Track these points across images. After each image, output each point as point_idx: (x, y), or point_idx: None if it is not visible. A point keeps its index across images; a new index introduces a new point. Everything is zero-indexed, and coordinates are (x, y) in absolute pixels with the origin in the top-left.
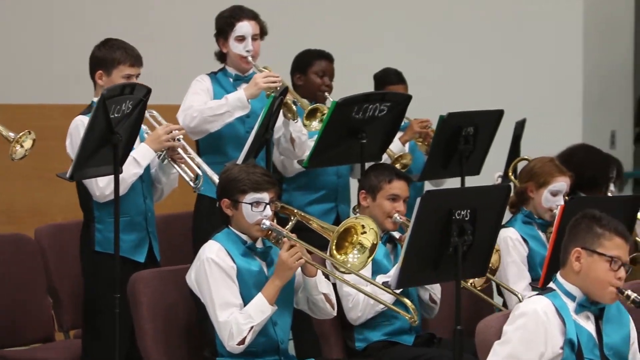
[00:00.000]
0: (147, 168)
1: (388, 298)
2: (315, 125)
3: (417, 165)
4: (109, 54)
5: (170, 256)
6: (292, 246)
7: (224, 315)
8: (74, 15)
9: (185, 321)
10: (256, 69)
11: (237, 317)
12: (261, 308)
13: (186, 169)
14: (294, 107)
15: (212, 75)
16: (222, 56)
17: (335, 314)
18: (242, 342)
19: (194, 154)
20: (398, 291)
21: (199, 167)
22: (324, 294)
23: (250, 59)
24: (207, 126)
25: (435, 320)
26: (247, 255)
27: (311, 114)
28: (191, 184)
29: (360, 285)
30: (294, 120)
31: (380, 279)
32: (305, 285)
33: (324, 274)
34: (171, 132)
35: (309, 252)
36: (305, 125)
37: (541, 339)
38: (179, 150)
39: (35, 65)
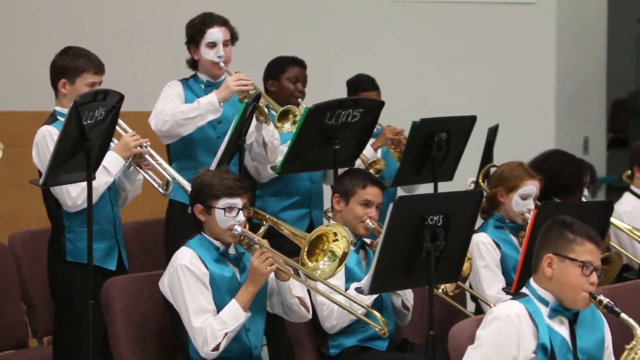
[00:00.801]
0: None
1: (359, 308)
2: (288, 127)
3: (390, 171)
4: (72, 63)
5: (142, 263)
6: (263, 253)
7: (199, 322)
8: (45, 23)
9: (158, 327)
10: (228, 74)
11: (211, 323)
12: (235, 314)
13: (154, 175)
14: (266, 110)
15: (184, 81)
16: (193, 64)
17: (310, 316)
18: (216, 348)
19: (161, 160)
20: (370, 300)
21: (167, 173)
22: (298, 298)
23: (222, 64)
24: (179, 130)
25: (409, 325)
26: (219, 261)
27: (283, 116)
28: (160, 190)
29: (332, 295)
30: (266, 123)
31: (354, 286)
32: (279, 289)
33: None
34: (138, 139)
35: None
36: (277, 127)
37: (514, 343)
38: (147, 156)
39: (7, 72)
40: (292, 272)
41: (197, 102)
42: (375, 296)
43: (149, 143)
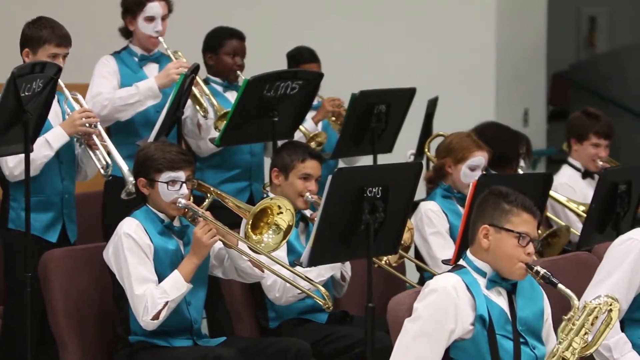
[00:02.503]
0: (71, 149)
1: (305, 283)
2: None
3: (330, 143)
4: (36, 33)
5: (81, 235)
6: (206, 224)
7: (141, 289)
8: None
9: (98, 300)
10: (167, 52)
11: (152, 292)
12: (177, 284)
13: (99, 155)
14: (205, 104)
15: (117, 55)
16: (127, 33)
17: (264, 275)
18: (156, 316)
19: (108, 142)
20: (323, 279)
21: (109, 155)
22: (250, 260)
23: (160, 39)
24: (117, 115)
25: (348, 297)
26: (164, 234)
27: (223, 117)
28: (102, 171)
29: (274, 267)
30: (205, 118)
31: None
32: (230, 255)
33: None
34: (88, 117)
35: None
36: (215, 127)
37: (451, 316)
38: (94, 136)
39: None
40: (235, 243)
41: (136, 87)
42: (325, 277)
43: (98, 123)
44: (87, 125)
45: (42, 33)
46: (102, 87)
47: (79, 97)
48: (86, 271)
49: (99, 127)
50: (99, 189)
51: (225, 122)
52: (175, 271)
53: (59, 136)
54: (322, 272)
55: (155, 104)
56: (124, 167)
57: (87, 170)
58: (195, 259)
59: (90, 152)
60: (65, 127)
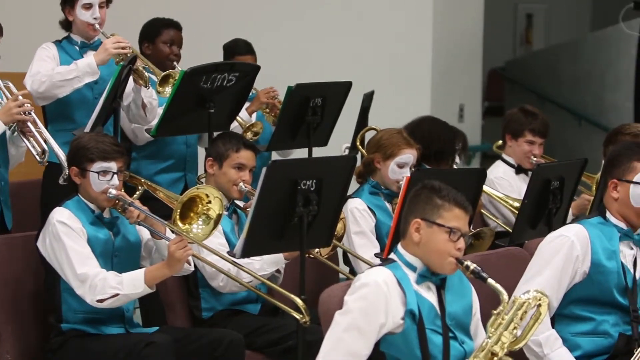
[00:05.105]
0: (3, 135)
1: (247, 276)
2: (169, 91)
3: (265, 135)
4: None
5: (16, 224)
6: (181, 239)
7: (84, 269)
8: None
9: (32, 288)
10: (104, 36)
11: (108, 277)
12: (135, 282)
13: (34, 142)
14: (145, 74)
15: (58, 43)
16: (67, 24)
17: (193, 269)
18: (100, 301)
19: (42, 129)
20: (266, 272)
21: (45, 142)
22: None
23: (97, 26)
24: (55, 91)
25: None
26: (95, 224)
27: (164, 81)
28: (37, 158)
29: (218, 262)
30: (145, 87)
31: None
32: (158, 247)
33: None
34: (23, 105)
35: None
36: (158, 93)
37: (381, 310)
38: (29, 123)
39: None
40: (164, 231)
41: (75, 64)
42: (268, 272)
43: (32, 110)
44: (23, 112)
45: None
46: (41, 68)
47: (10, 85)
48: (22, 259)
49: (33, 114)
50: (35, 177)
51: (167, 87)
52: (142, 269)
53: None
54: (264, 267)
55: (95, 91)
56: (60, 153)
57: (10, 161)
58: (166, 270)
59: (25, 140)
60: (1, 116)
